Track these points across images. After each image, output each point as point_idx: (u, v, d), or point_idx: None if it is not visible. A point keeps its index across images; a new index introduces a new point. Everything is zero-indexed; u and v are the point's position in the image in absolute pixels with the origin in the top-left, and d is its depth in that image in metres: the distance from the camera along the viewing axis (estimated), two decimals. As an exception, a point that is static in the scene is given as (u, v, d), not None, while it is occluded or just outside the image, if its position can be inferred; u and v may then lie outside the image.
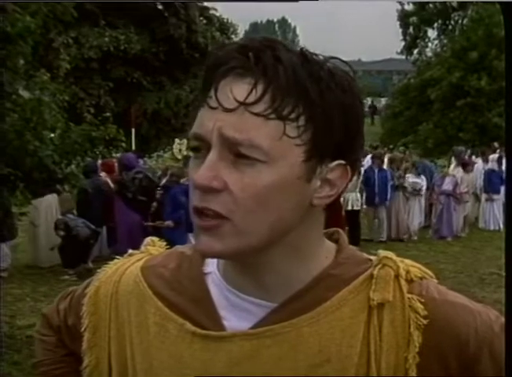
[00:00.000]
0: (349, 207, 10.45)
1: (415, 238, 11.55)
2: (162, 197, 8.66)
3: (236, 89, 0.78)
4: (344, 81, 0.82)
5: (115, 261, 1.02)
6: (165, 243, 1.06)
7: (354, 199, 10.58)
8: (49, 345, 1.10)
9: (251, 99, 0.78)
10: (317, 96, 0.79)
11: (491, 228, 12.48)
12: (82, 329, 0.98)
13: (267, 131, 0.78)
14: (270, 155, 0.78)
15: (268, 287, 0.86)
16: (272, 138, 0.78)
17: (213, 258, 0.87)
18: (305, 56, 0.81)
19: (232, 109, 0.78)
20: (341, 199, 10.30)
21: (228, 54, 0.80)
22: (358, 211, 10.88)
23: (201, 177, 0.78)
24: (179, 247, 0.99)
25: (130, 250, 1.04)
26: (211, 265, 0.92)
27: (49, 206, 9.15)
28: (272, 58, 0.78)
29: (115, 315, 0.95)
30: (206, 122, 0.80)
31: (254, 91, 0.78)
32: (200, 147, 0.81)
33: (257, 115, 0.77)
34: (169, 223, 8.21)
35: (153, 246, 1.04)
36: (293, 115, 0.78)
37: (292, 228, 0.83)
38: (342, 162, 0.83)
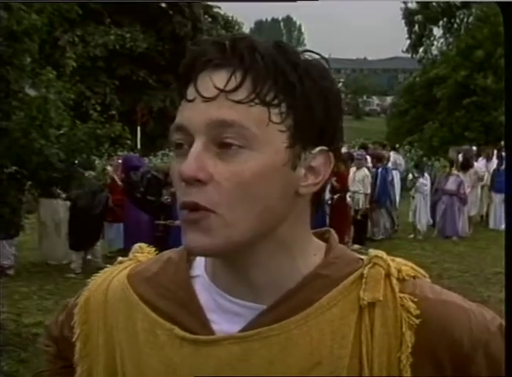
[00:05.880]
0: (360, 206, 10.50)
1: (421, 237, 11.53)
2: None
3: (215, 78, 0.78)
4: (320, 67, 0.82)
5: (105, 269, 1.00)
6: (154, 249, 1.02)
7: (363, 199, 10.57)
8: (50, 355, 1.08)
9: (231, 86, 0.77)
10: (297, 81, 0.79)
11: (492, 226, 12.47)
12: (74, 339, 0.96)
13: (252, 117, 0.77)
14: (256, 140, 0.77)
15: (258, 287, 0.84)
16: (258, 124, 0.77)
17: (202, 255, 0.84)
18: (280, 45, 0.81)
19: (212, 98, 0.77)
20: (350, 198, 10.34)
21: (204, 48, 0.80)
22: (366, 210, 10.88)
23: (187, 169, 0.76)
24: (168, 252, 0.96)
25: (120, 258, 1.02)
26: (198, 269, 0.90)
27: (56, 204, 9.16)
28: (248, 47, 0.78)
29: (104, 323, 0.94)
30: (186, 113, 0.79)
31: (232, 78, 0.77)
32: (183, 142, 0.80)
33: (239, 102, 0.77)
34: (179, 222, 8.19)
35: (141, 253, 1.01)
36: (276, 101, 0.78)
37: (280, 219, 0.81)
38: (325, 148, 0.82)
